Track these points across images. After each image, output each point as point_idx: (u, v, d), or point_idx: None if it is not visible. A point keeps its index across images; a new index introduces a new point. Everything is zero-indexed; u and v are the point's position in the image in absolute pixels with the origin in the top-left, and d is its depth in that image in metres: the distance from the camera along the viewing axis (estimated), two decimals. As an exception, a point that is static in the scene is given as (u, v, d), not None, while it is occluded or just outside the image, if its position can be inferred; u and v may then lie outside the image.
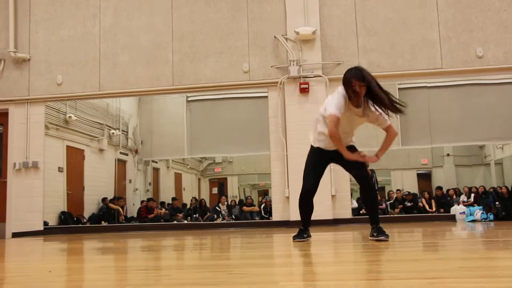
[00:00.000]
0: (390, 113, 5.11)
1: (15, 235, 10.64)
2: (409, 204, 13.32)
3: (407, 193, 14.33)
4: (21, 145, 10.98)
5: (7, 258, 5.30)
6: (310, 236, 5.62)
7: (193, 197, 16.03)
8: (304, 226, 5.65)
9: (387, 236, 5.17)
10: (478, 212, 10.06)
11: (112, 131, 14.92)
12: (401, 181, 19.31)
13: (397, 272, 2.81)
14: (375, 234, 5.27)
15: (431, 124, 12.17)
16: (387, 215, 12.41)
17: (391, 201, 13.92)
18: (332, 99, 5.12)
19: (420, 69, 10.14)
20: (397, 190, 15.19)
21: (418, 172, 20.86)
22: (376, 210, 5.62)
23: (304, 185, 5.65)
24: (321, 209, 9.79)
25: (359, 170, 5.41)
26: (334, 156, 5.40)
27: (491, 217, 9.88)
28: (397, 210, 13.04)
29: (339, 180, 9.99)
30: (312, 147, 5.58)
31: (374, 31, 10.24)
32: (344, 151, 5.13)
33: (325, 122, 5.20)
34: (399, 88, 12.23)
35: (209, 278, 2.89)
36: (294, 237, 5.55)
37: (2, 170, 11.23)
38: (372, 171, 13.92)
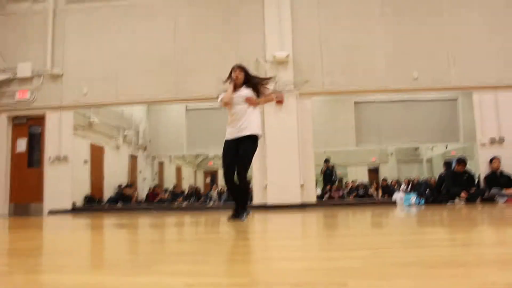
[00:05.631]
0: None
1: (50, 213, 10.58)
2: (361, 192, 13.42)
3: (360, 183, 14.42)
4: (54, 142, 10.92)
5: (44, 231, 5.26)
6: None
7: (190, 185, 16.00)
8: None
9: (244, 217, 5.33)
10: (413, 198, 10.14)
11: (126, 132, 14.85)
12: (355, 174, 19.51)
13: (349, 244, 2.84)
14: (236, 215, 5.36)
15: (379, 130, 12.29)
16: (344, 201, 12.48)
17: (347, 189, 14.00)
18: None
19: (370, 88, 10.23)
20: (352, 181, 15.30)
21: (369, 167, 21.09)
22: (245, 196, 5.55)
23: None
24: (292, 196, 9.85)
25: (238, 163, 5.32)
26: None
27: (423, 201, 9.98)
28: (351, 197, 13.12)
29: (306, 171, 10.03)
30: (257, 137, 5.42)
31: (334, 56, 10.32)
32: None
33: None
34: (355, 102, 12.36)
35: (202, 248, 2.89)
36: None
37: (40, 162, 11.13)
38: (333, 166, 14.02)
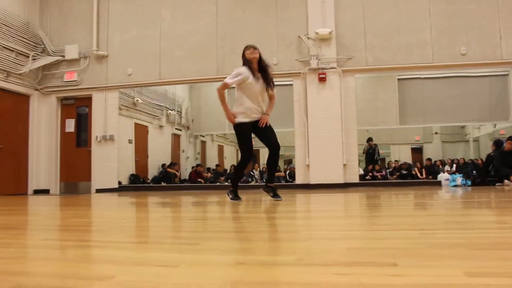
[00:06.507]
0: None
1: (98, 191, 10.94)
2: (404, 172, 13.21)
3: (403, 163, 14.16)
4: (101, 122, 11.21)
5: (93, 208, 5.45)
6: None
7: (232, 164, 16.13)
8: (236, 188, 5.43)
9: (280, 197, 5.30)
10: (459, 179, 9.90)
11: (169, 111, 15.09)
12: (398, 154, 19.17)
13: (395, 224, 2.81)
14: (271, 194, 5.33)
15: (424, 108, 11.99)
16: (387, 180, 12.31)
17: (390, 169, 13.80)
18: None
19: (415, 63, 9.94)
20: (395, 160, 15.06)
21: (412, 146, 20.66)
22: (274, 172, 5.49)
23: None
24: (335, 175, 9.79)
25: (271, 138, 5.24)
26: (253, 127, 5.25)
27: (469, 183, 9.72)
28: (394, 177, 12.94)
29: (349, 150, 9.93)
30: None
31: (378, 32, 10.06)
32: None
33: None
34: (398, 79, 12.06)
35: (247, 226, 2.93)
36: (232, 199, 5.34)
37: (88, 141, 11.48)
38: (376, 145, 13.82)
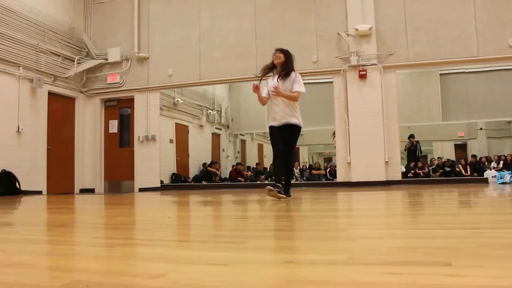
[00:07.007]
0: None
1: (141, 190, 11.16)
2: (448, 169, 12.83)
3: (446, 160, 13.78)
4: (143, 123, 11.44)
5: (137, 207, 5.55)
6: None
7: (271, 164, 16.06)
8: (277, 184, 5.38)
9: (288, 196, 5.43)
10: (507, 175, 9.56)
11: (209, 111, 15.23)
12: (441, 150, 18.66)
13: (442, 223, 2.72)
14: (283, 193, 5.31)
15: (467, 103, 11.64)
16: (430, 178, 12.00)
17: (433, 166, 13.44)
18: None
19: (459, 58, 9.64)
20: (438, 157, 14.69)
21: (456, 143, 20.06)
22: (287, 176, 5.62)
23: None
24: (376, 172, 9.63)
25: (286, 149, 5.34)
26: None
27: (519, 180, 9.37)
28: (437, 174, 12.60)
29: (391, 148, 9.75)
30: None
31: (419, 27, 9.83)
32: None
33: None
34: (440, 74, 11.75)
35: (290, 225, 2.90)
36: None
37: (130, 142, 11.73)
38: (417, 141, 13.50)
